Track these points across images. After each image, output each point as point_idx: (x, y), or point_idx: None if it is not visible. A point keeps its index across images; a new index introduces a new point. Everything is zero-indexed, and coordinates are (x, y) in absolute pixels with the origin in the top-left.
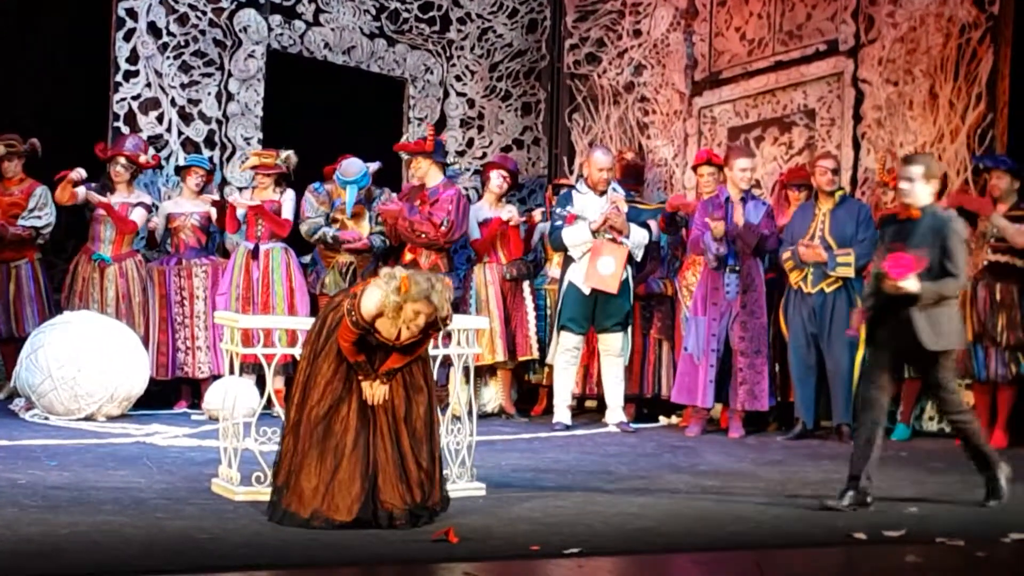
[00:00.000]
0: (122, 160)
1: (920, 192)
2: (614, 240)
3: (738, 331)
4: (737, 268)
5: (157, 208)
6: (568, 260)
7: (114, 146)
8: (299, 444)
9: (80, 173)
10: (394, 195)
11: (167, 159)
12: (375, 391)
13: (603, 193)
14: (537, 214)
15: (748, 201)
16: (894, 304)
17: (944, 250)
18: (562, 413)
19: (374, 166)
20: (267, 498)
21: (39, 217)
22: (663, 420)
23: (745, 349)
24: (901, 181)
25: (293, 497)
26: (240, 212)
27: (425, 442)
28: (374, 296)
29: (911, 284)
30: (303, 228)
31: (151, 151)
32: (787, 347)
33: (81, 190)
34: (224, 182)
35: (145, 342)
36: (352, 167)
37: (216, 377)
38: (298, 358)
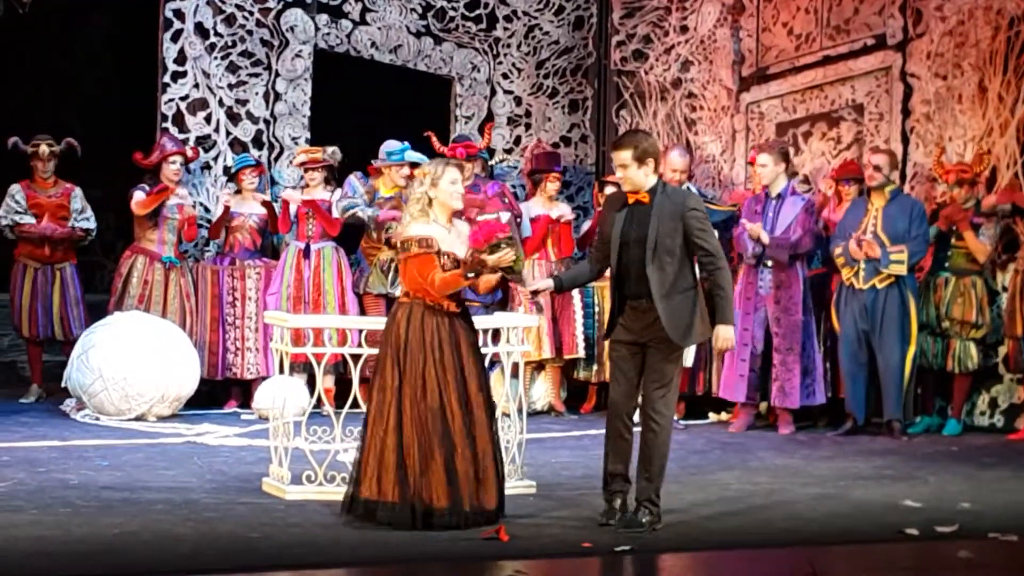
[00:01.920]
0: (178, 159)
1: (636, 176)
2: None
3: (773, 328)
4: (770, 264)
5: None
6: None
7: (158, 152)
8: (420, 439)
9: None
10: None
11: (215, 159)
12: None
13: None
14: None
15: (786, 198)
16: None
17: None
18: None
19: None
20: (317, 497)
21: (88, 219)
22: (712, 416)
23: (779, 346)
24: (617, 170)
25: (432, 493)
26: (292, 210)
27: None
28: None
29: None
30: (340, 206)
31: (190, 143)
32: (838, 343)
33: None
34: (272, 182)
35: (196, 342)
36: (390, 142)
37: (264, 378)
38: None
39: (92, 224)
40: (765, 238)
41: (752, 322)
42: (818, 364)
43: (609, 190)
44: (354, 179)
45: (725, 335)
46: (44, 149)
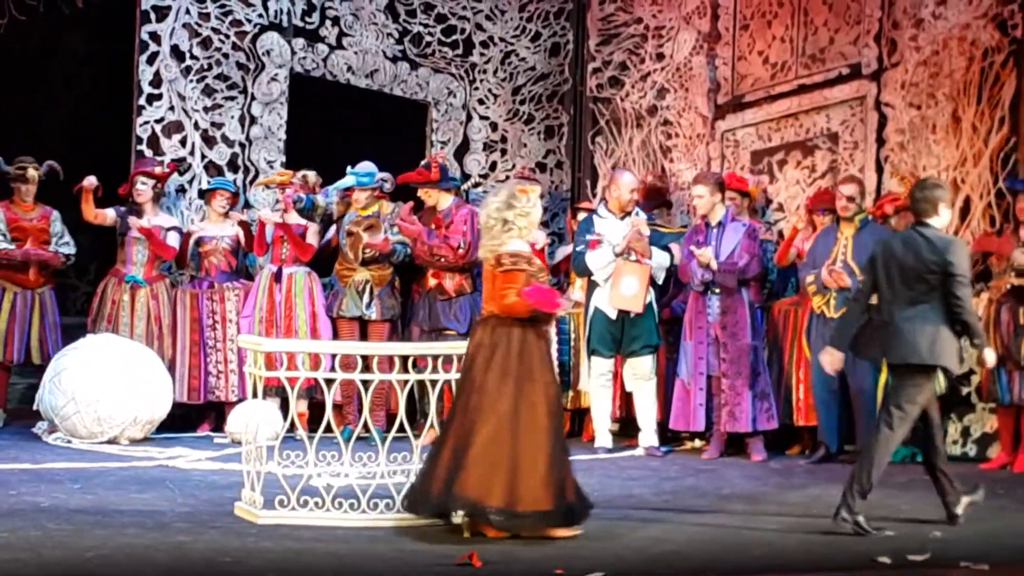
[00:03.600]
0: (140, 178)
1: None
2: (636, 261)
3: (720, 353)
4: (718, 291)
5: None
6: (593, 285)
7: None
8: (516, 445)
9: (92, 181)
10: (414, 216)
11: (190, 182)
12: None
13: (625, 216)
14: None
15: (726, 225)
16: None
17: None
18: (603, 437)
19: (386, 176)
20: (290, 522)
21: (68, 243)
22: (687, 444)
23: (727, 371)
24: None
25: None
26: (268, 232)
27: None
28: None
29: None
30: (320, 199)
31: (166, 161)
32: (810, 370)
33: (111, 212)
34: (247, 205)
35: (173, 366)
36: (364, 164)
37: (240, 401)
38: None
39: (72, 249)
40: (714, 264)
41: (705, 350)
42: (770, 389)
43: (582, 216)
44: (332, 189)
45: None
46: (33, 173)
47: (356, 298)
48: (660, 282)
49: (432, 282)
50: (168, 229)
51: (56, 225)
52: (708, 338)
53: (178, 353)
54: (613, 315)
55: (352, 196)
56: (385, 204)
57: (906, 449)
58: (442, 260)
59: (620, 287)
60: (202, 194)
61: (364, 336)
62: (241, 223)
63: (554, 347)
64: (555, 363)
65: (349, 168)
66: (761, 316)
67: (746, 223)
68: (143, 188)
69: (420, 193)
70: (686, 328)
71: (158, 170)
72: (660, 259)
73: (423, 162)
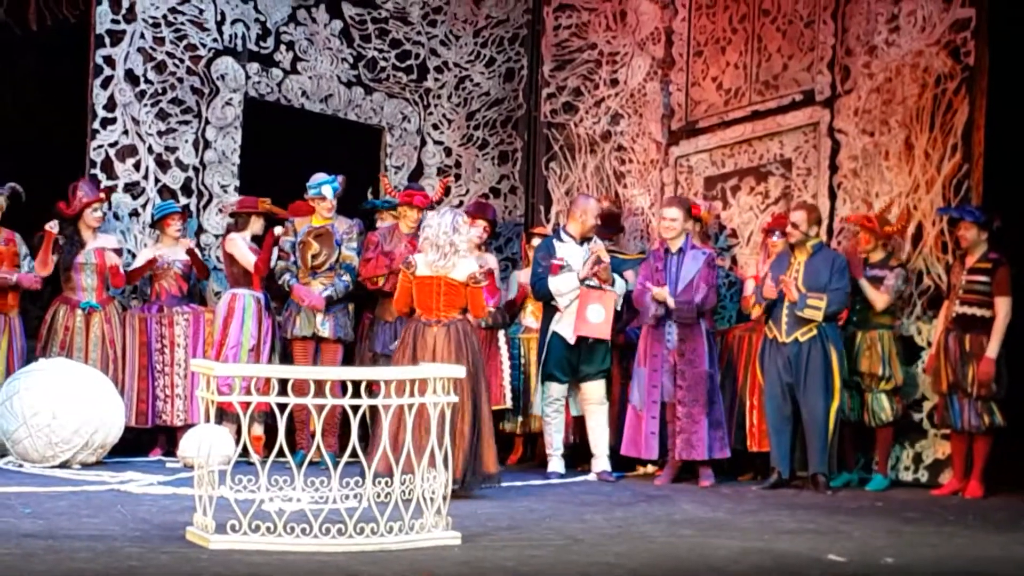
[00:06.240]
0: (100, 207)
1: None
2: (599, 288)
3: (676, 380)
4: (676, 319)
5: (133, 255)
6: (550, 310)
7: (78, 200)
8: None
9: (55, 225)
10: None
11: (144, 207)
12: None
13: (584, 242)
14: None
15: (687, 252)
16: None
17: None
18: (556, 462)
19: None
20: (241, 547)
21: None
22: (640, 469)
23: (683, 398)
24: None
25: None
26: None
27: None
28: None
29: None
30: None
31: (118, 190)
32: (763, 396)
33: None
34: (200, 229)
35: (121, 389)
36: (318, 175)
37: (191, 425)
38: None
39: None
40: (671, 302)
41: (660, 378)
42: (723, 417)
43: (536, 241)
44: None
45: None
46: (2, 201)
47: (309, 314)
48: (617, 309)
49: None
50: (113, 250)
51: (23, 247)
52: (665, 365)
53: (127, 377)
54: (572, 340)
55: (317, 207)
56: (341, 220)
57: (851, 474)
58: None
59: (587, 315)
60: (154, 223)
61: (317, 355)
62: (188, 251)
63: (507, 372)
64: (507, 390)
65: (309, 184)
66: (713, 342)
67: (706, 252)
68: (97, 215)
69: (404, 215)
70: (640, 355)
71: (101, 195)
72: (618, 286)
73: (410, 184)
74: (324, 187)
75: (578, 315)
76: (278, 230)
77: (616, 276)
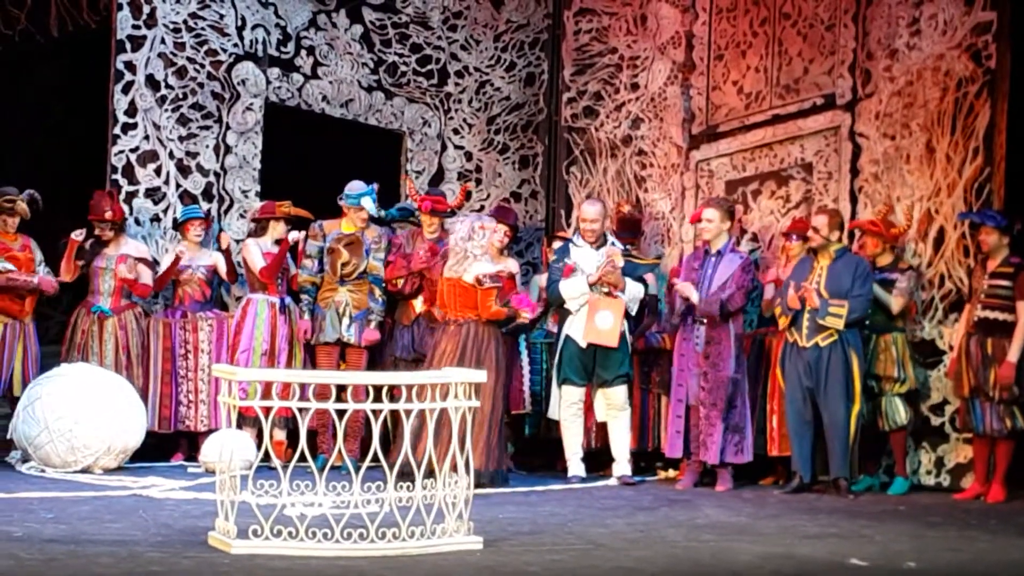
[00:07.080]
0: (96, 223)
1: None
2: (610, 294)
3: (700, 382)
4: (703, 321)
5: (157, 262)
6: (564, 313)
7: (95, 212)
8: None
9: (81, 233)
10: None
11: (165, 212)
12: None
13: (599, 247)
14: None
15: (725, 255)
16: None
17: None
18: (576, 466)
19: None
20: (263, 552)
21: (49, 271)
22: (661, 473)
23: (704, 400)
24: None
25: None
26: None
27: None
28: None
29: None
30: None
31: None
32: (784, 400)
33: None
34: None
35: (145, 395)
36: (356, 183)
37: (214, 430)
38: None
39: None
40: (695, 298)
41: (687, 378)
42: (749, 422)
43: (557, 245)
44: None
45: None
46: (23, 207)
47: (335, 320)
48: (633, 313)
49: (421, 308)
50: (137, 260)
51: (38, 253)
52: (692, 366)
53: (150, 382)
54: (584, 345)
55: (351, 215)
56: (372, 228)
57: (872, 479)
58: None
59: (595, 321)
60: (176, 226)
61: (343, 360)
62: (226, 250)
63: (527, 377)
64: (527, 394)
65: (347, 193)
66: (741, 347)
67: (743, 255)
68: (107, 228)
69: (424, 219)
70: (674, 353)
71: (108, 214)
72: (634, 290)
73: (429, 189)
74: (364, 199)
75: (587, 321)
76: (293, 236)
77: (631, 280)
